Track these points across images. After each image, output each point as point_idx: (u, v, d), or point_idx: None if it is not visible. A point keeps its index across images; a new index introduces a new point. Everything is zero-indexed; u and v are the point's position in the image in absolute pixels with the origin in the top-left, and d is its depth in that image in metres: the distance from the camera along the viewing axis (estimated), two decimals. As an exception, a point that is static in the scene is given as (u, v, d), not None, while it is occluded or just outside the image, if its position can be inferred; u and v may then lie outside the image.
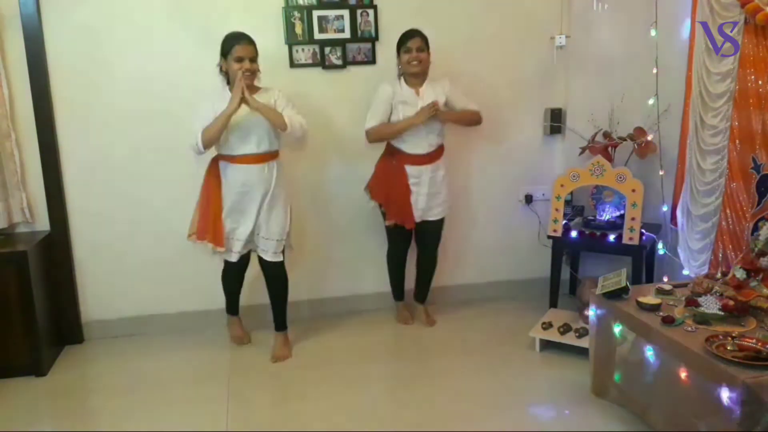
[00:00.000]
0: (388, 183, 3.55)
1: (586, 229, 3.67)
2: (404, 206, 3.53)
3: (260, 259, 3.36)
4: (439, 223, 3.66)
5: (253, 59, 3.14)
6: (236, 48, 3.10)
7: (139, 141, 3.59)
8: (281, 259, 3.35)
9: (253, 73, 3.15)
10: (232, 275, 3.51)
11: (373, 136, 3.48)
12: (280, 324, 3.46)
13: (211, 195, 3.27)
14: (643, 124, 3.70)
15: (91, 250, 3.67)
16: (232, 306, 3.63)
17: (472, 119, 3.59)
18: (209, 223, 3.28)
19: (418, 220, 3.57)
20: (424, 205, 3.55)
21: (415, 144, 3.47)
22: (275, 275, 3.39)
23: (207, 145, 3.11)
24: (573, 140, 3.89)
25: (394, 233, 3.66)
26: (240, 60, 3.09)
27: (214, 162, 3.28)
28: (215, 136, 3.08)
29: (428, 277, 3.80)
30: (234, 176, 3.20)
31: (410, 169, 3.50)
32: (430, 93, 3.46)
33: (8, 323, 3.25)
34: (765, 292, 2.61)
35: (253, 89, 3.19)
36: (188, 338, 3.70)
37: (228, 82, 3.22)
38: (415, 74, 3.43)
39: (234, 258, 3.33)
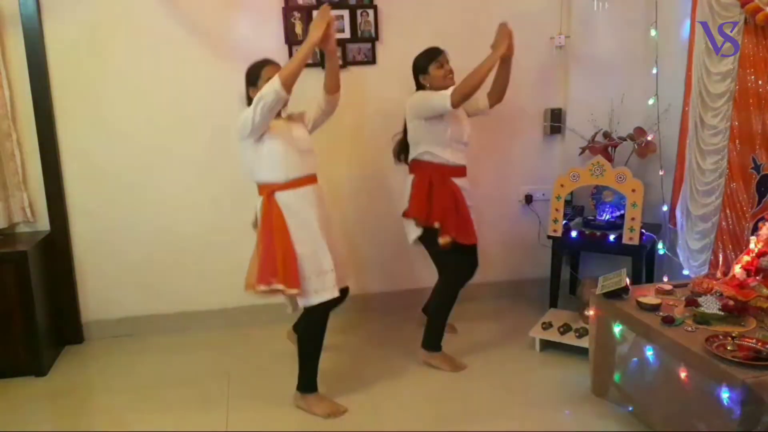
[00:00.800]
0: (437, 198, 3.20)
1: (586, 229, 3.67)
2: (463, 219, 3.23)
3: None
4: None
5: None
6: (265, 70, 2.83)
7: (139, 141, 3.59)
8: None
9: None
10: (324, 323, 2.94)
11: (459, 92, 3.03)
12: None
13: (275, 231, 2.80)
14: (643, 124, 3.71)
15: (91, 250, 3.67)
16: (315, 376, 2.98)
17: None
18: (277, 264, 2.76)
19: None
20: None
21: (456, 152, 3.23)
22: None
23: (289, 85, 2.66)
24: (573, 140, 3.89)
25: (456, 256, 3.25)
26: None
27: (269, 198, 2.84)
28: (296, 71, 2.66)
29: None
30: (301, 201, 2.85)
31: (459, 182, 3.26)
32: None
33: (8, 323, 3.25)
34: (765, 292, 2.61)
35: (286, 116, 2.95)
36: (188, 338, 3.71)
37: None
38: (449, 87, 3.18)
39: (336, 292, 2.85)
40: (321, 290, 2.82)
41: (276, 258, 2.76)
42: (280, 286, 2.75)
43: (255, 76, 2.88)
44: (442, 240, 3.16)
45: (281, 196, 2.83)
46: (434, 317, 3.33)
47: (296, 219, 2.83)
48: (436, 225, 3.17)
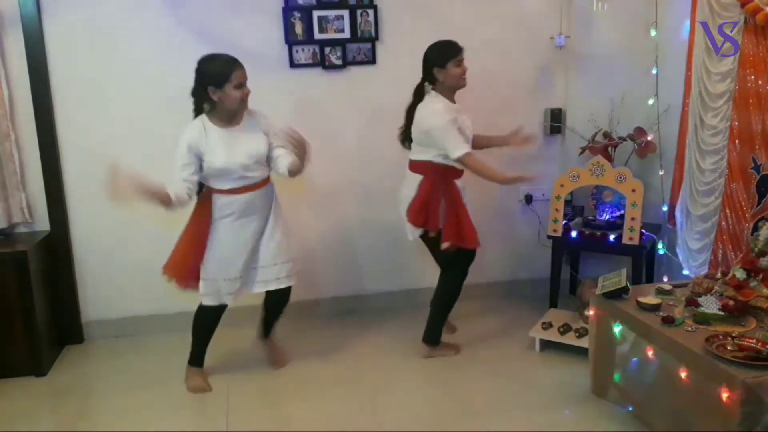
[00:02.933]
0: (442, 204, 3.19)
1: (586, 229, 3.67)
2: (464, 224, 3.21)
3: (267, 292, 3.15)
4: None
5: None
6: (236, 74, 2.81)
7: (139, 141, 3.59)
8: (291, 283, 3.14)
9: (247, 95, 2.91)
10: (215, 316, 3.14)
11: (471, 165, 3.12)
12: (271, 332, 3.39)
13: (199, 229, 2.99)
14: (643, 124, 3.71)
15: (91, 250, 3.67)
16: (202, 355, 3.23)
17: None
18: (185, 260, 3.01)
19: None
20: None
21: None
22: (282, 298, 3.20)
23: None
24: (573, 140, 3.89)
25: (459, 258, 3.28)
26: (241, 86, 2.83)
27: (207, 194, 2.99)
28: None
29: None
30: (228, 208, 2.95)
31: (459, 182, 3.24)
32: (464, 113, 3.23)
33: (8, 323, 3.25)
34: (765, 292, 2.61)
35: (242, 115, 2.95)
36: (188, 338, 3.68)
37: (210, 110, 2.90)
38: (462, 87, 3.18)
39: (228, 300, 3.06)
40: (220, 295, 3.03)
41: (187, 255, 3.01)
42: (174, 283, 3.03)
43: (223, 76, 2.79)
44: (443, 245, 3.16)
45: (217, 199, 2.96)
46: (435, 313, 3.40)
47: (224, 222, 2.96)
48: (431, 234, 3.19)
